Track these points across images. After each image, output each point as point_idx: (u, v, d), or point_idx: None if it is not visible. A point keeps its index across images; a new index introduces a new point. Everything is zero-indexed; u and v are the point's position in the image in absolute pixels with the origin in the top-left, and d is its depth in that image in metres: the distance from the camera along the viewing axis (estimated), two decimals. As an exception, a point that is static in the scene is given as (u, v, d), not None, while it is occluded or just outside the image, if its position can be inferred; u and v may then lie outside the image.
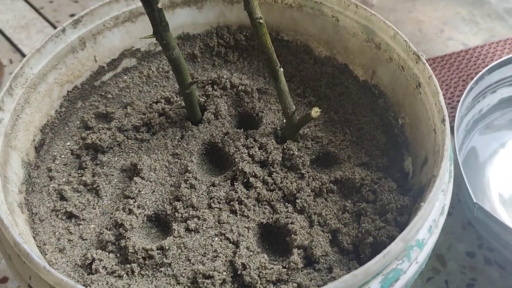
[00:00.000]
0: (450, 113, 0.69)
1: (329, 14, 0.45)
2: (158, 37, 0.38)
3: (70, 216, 0.41)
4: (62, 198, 0.41)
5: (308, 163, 0.43)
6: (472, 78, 0.73)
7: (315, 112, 0.41)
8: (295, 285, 0.35)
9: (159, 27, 0.38)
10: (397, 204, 0.37)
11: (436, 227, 0.33)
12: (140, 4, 0.45)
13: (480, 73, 0.59)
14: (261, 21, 0.38)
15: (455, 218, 0.59)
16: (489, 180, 0.61)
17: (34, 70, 0.40)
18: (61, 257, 0.38)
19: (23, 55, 0.78)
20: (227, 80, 0.48)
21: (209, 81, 0.48)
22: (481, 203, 0.58)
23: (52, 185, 0.42)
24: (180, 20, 0.49)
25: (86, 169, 0.44)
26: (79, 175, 0.43)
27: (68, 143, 0.45)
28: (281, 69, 0.41)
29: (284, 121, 0.45)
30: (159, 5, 0.37)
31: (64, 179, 0.43)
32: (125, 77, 0.49)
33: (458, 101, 0.72)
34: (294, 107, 0.43)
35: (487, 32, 0.79)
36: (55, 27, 0.83)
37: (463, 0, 0.85)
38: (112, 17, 0.45)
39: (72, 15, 0.85)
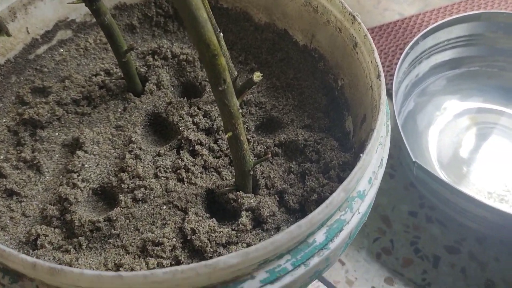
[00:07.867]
0: (389, 80, 0.72)
1: (266, -21, 0.46)
2: (87, 2, 0.37)
3: (10, 193, 0.39)
4: (1, 175, 0.40)
5: (253, 128, 0.44)
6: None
7: (257, 76, 0.41)
8: (245, 245, 0.36)
9: (91, -8, 0.37)
10: (339, 161, 0.39)
11: (376, 179, 0.34)
12: (72, -27, 0.43)
13: (415, 39, 0.61)
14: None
15: (397, 180, 0.62)
16: (427, 144, 0.64)
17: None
18: (4, 235, 0.37)
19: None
20: (168, 50, 0.47)
21: (150, 51, 0.47)
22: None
23: (-11, 164, 0.40)
24: (115, -10, 0.48)
25: (25, 145, 0.42)
26: (18, 152, 0.42)
27: (4, 120, 0.43)
28: (221, 34, 0.41)
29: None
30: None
31: (1, 157, 0.41)
32: (61, 50, 0.47)
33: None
34: (236, 72, 0.43)
35: (421, 2, 0.82)
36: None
37: (398, -29, 0.87)
38: (43, -14, 0.43)
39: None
